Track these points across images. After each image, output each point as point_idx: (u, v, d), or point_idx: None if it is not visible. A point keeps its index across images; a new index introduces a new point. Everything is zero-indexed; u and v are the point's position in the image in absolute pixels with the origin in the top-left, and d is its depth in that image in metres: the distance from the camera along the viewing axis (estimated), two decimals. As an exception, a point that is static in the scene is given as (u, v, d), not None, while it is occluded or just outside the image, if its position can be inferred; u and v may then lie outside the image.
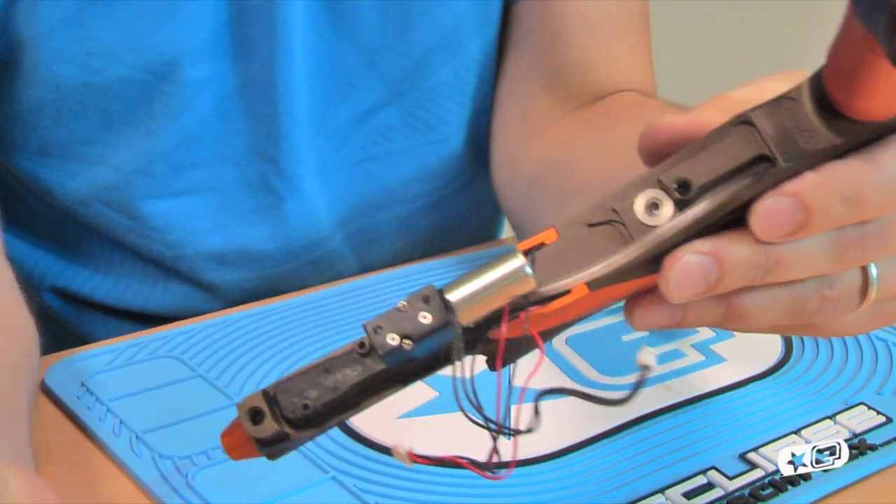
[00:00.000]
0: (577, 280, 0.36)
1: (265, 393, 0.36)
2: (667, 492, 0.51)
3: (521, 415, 0.36)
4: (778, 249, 0.36)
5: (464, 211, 0.83)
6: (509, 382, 0.36)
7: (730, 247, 0.36)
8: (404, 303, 0.35)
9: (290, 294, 0.71)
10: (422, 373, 0.37)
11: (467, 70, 0.75)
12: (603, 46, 0.73)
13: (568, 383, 0.60)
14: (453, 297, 0.35)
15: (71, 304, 0.77)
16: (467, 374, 0.35)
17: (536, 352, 0.36)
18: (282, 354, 0.63)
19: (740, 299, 0.38)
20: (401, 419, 0.56)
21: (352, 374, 0.36)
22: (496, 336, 0.36)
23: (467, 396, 0.35)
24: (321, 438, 0.55)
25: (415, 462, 0.36)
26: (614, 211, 0.36)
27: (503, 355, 0.36)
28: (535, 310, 0.36)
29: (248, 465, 0.52)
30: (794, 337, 0.65)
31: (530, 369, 0.37)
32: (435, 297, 0.35)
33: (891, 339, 0.64)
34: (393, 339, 0.35)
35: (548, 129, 0.73)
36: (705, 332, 0.65)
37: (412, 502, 0.50)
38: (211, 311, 0.70)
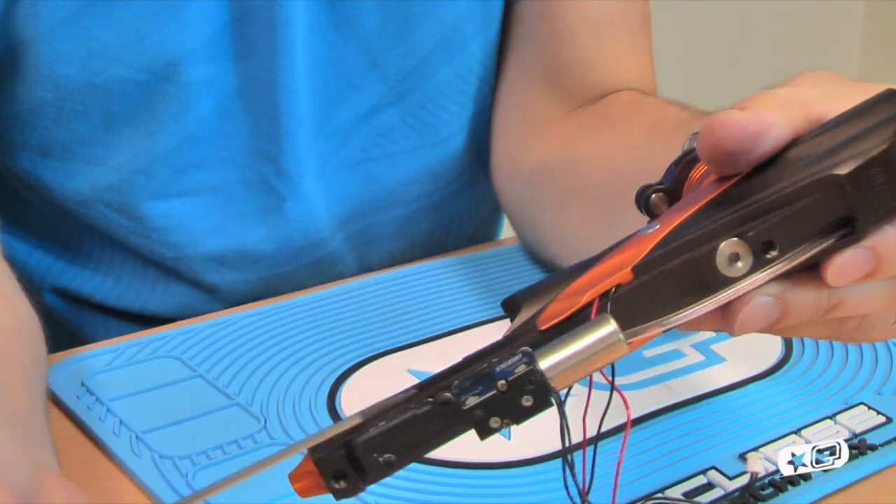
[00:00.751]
0: (655, 329, 0.36)
1: (346, 448, 0.36)
2: (667, 492, 0.51)
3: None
4: (840, 294, 0.38)
5: (464, 212, 0.83)
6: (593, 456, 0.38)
7: (796, 292, 0.37)
8: (504, 383, 0.35)
9: (290, 294, 0.71)
10: None
11: (468, 71, 0.75)
12: (603, 46, 0.73)
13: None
14: (547, 366, 0.35)
15: (72, 304, 0.77)
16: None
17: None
18: (282, 354, 0.63)
19: (793, 326, 0.39)
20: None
21: (434, 429, 0.36)
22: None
23: (574, 481, 0.37)
24: (321, 438, 0.55)
25: None
26: (694, 259, 0.36)
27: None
28: None
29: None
30: (794, 337, 0.65)
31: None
32: (535, 379, 0.35)
33: (891, 339, 0.64)
34: (496, 423, 0.35)
35: (548, 129, 0.73)
36: (705, 332, 0.65)
37: (412, 502, 0.50)
38: (211, 312, 0.70)
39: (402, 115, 0.75)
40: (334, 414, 0.57)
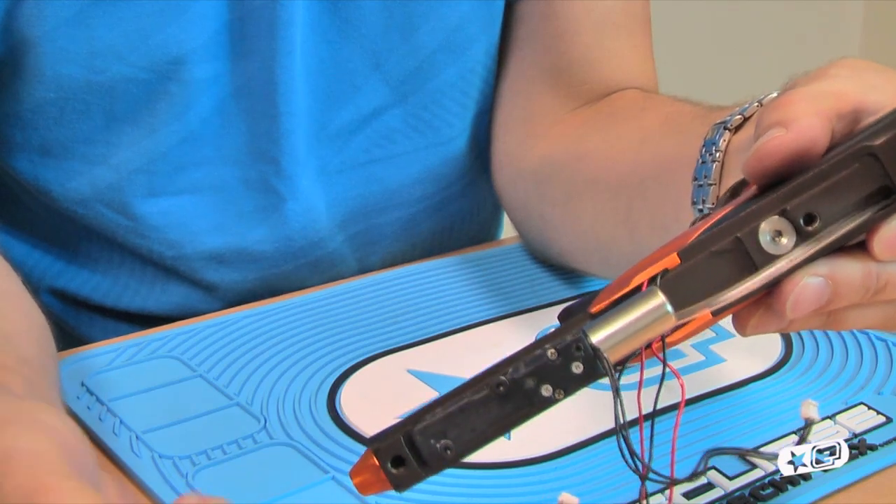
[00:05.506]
0: (705, 309, 0.37)
1: (405, 437, 0.37)
2: (667, 492, 0.51)
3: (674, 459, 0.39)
4: (889, 271, 0.39)
5: (465, 212, 0.83)
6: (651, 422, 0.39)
7: (844, 271, 0.38)
8: (553, 352, 0.36)
9: (289, 294, 0.71)
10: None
11: (471, 72, 0.75)
12: (606, 45, 0.73)
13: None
14: (599, 339, 0.36)
15: (70, 305, 0.77)
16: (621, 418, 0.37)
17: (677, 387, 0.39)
18: (282, 354, 0.63)
19: (843, 311, 0.40)
20: (400, 419, 0.56)
21: (491, 415, 0.37)
22: (635, 361, 0.37)
23: (626, 442, 0.38)
24: (320, 438, 0.55)
25: None
26: (738, 239, 0.37)
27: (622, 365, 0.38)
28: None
29: (248, 466, 0.53)
30: (794, 337, 0.65)
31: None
32: (584, 345, 0.36)
33: (891, 339, 0.64)
34: (547, 391, 0.36)
35: (551, 127, 0.73)
36: (705, 332, 0.65)
37: (412, 502, 0.50)
38: (210, 311, 0.70)
39: (404, 117, 0.75)
40: (334, 414, 0.57)
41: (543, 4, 0.73)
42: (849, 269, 0.38)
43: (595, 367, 0.36)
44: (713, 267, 0.37)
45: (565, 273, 0.74)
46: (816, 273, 0.37)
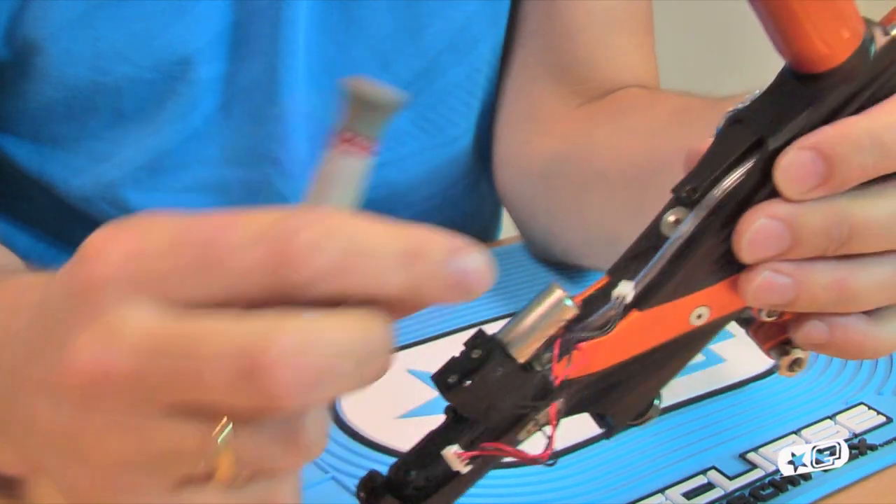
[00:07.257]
0: (619, 294, 0.37)
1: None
2: (667, 492, 0.51)
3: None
4: (852, 215, 0.38)
5: (466, 213, 0.83)
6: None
7: (804, 212, 0.37)
8: (461, 351, 0.37)
9: (290, 294, 0.71)
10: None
11: (477, 71, 0.75)
12: (610, 44, 0.73)
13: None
14: (508, 339, 0.36)
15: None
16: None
17: None
18: (283, 354, 0.63)
19: (854, 278, 0.39)
20: (400, 419, 0.56)
21: (442, 437, 0.37)
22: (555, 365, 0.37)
23: None
24: (321, 438, 0.55)
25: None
26: (647, 238, 0.39)
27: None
28: (591, 343, 0.37)
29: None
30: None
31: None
32: (481, 336, 0.37)
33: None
34: (452, 379, 0.36)
35: (555, 125, 0.73)
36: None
37: (411, 502, 0.50)
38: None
39: (412, 118, 0.74)
40: (334, 414, 0.57)
41: (547, 4, 0.73)
42: (808, 213, 0.37)
43: (491, 347, 0.36)
44: (629, 267, 0.38)
45: (566, 273, 0.74)
46: (772, 214, 0.37)
